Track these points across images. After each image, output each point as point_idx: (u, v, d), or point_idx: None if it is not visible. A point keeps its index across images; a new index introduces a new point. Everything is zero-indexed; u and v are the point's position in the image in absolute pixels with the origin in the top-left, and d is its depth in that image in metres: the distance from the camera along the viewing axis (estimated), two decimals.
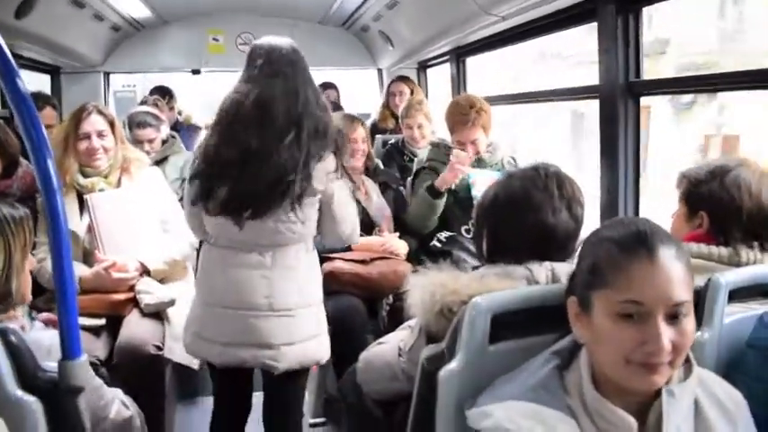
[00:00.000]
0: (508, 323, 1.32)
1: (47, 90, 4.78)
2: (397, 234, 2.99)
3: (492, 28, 3.50)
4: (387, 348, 1.75)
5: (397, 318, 2.79)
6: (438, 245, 3.01)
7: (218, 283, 2.13)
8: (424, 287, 1.46)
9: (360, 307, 2.72)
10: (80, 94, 4.65)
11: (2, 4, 2.85)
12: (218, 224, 2.10)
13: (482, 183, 2.94)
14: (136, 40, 4.95)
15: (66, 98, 4.75)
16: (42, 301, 2.67)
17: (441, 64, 5.02)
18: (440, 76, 5.32)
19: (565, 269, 1.48)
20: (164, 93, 4.80)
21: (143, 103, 4.35)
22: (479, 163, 3.05)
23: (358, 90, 5.98)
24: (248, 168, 1.99)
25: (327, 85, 4.86)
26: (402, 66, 5.21)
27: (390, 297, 2.84)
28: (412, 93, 4.53)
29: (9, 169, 2.78)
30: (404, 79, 4.71)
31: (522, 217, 1.52)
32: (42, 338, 1.42)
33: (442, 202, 2.97)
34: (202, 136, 2.67)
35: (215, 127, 2.09)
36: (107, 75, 5.10)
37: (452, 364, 1.29)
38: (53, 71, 4.72)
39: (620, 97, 2.58)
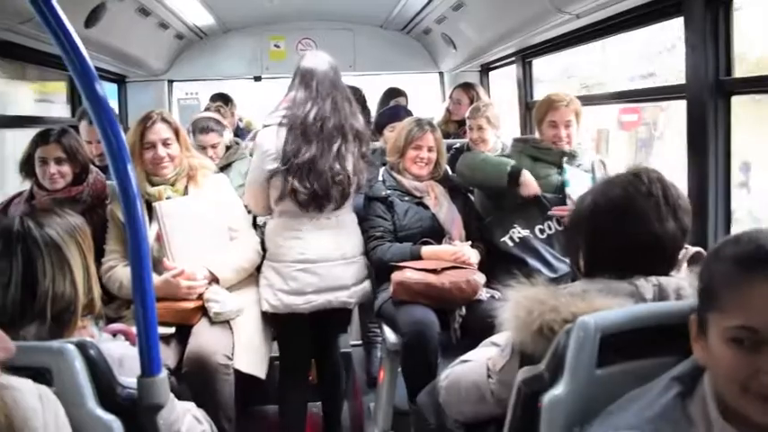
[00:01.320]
0: (617, 345, 1.20)
1: (113, 99, 4.87)
2: (469, 242, 2.86)
3: (563, 27, 3.35)
4: (473, 368, 1.64)
5: (470, 330, 2.68)
6: (510, 243, 2.89)
7: (299, 244, 2.67)
8: (519, 303, 1.34)
9: (432, 318, 2.61)
10: (145, 102, 4.72)
11: (72, 14, 2.85)
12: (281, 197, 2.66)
13: (576, 181, 2.83)
14: (198, 49, 4.99)
15: (131, 106, 4.82)
16: (112, 310, 2.68)
17: (505, 66, 4.89)
18: (500, 80, 5.22)
19: (672, 284, 1.35)
20: (224, 99, 4.81)
21: (206, 109, 4.36)
22: (570, 159, 2.95)
23: (419, 93, 5.87)
24: (317, 167, 2.60)
25: (396, 93, 4.77)
26: (464, 69, 5.10)
27: (463, 308, 2.72)
28: (472, 101, 4.42)
29: (80, 176, 2.81)
30: (465, 87, 4.59)
31: (625, 227, 1.39)
32: (113, 350, 1.37)
33: (504, 191, 2.92)
34: (261, 137, 2.75)
35: (288, 136, 2.61)
36: (171, 83, 5.16)
37: (558, 390, 1.18)
38: (119, 80, 4.79)
39: (710, 97, 2.41)
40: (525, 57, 4.30)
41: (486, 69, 5.15)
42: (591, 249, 1.45)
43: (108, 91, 4.73)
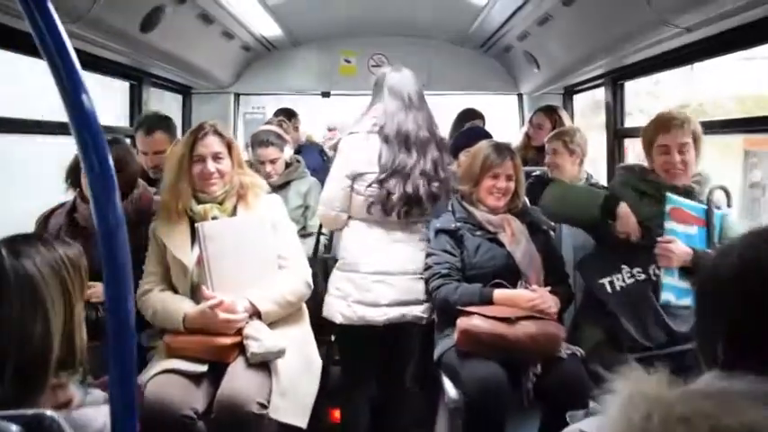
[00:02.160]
0: None
1: (178, 111, 4.75)
2: (548, 288, 2.48)
3: (664, 44, 2.93)
4: None
5: (545, 393, 2.29)
6: (609, 289, 2.46)
7: (378, 254, 2.64)
8: (633, 401, 0.96)
9: (501, 376, 2.25)
10: (210, 115, 4.54)
11: (127, 17, 2.69)
12: (369, 205, 2.66)
13: (680, 217, 2.38)
14: (266, 61, 4.82)
15: (196, 119, 4.68)
16: (145, 339, 2.45)
17: (591, 89, 4.47)
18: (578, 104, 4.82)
19: None
20: (289, 114, 4.61)
21: (267, 123, 4.16)
22: (686, 194, 2.46)
23: (494, 117, 5.50)
24: (414, 173, 2.64)
25: (473, 114, 4.43)
26: (546, 91, 4.71)
27: (538, 366, 2.33)
28: (554, 126, 4.06)
29: (125, 190, 2.61)
30: (547, 111, 4.26)
31: None
32: (91, 420, 1.06)
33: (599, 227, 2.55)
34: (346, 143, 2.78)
35: (383, 144, 2.65)
36: (237, 96, 5.01)
37: None
38: (185, 91, 4.66)
39: None
40: (616, 79, 3.89)
41: (570, 92, 4.75)
42: (735, 328, 1.05)
43: (173, 102, 4.72)
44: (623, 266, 2.46)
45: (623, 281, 2.46)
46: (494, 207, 2.66)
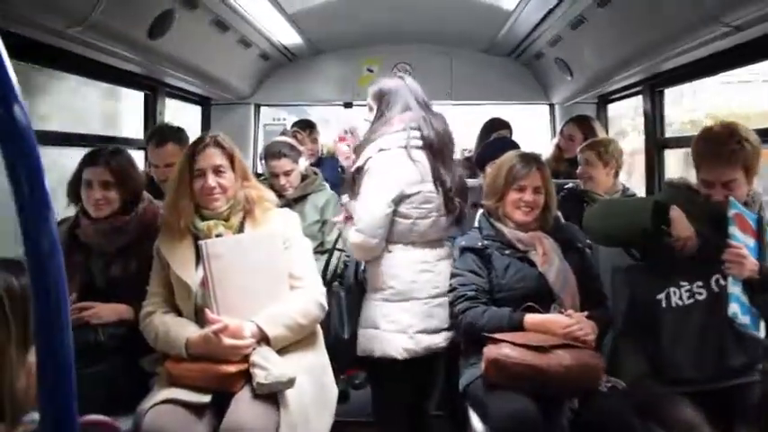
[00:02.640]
0: None
1: (197, 123, 4.64)
2: (585, 313, 2.25)
3: (708, 47, 2.70)
4: None
5: (586, 431, 2.06)
6: (664, 305, 2.22)
7: (432, 277, 2.51)
8: None
9: (533, 411, 2.02)
10: (230, 126, 4.44)
11: (133, 21, 2.55)
12: (415, 226, 2.52)
13: (742, 224, 2.12)
14: (286, 71, 4.69)
15: (214, 131, 4.54)
16: (147, 364, 2.28)
17: (627, 97, 4.23)
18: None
19: None
20: (306, 125, 4.46)
21: (282, 134, 4.01)
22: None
23: (522, 128, 5.28)
24: (462, 183, 2.64)
25: (499, 124, 4.22)
26: (578, 100, 4.47)
27: (575, 400, 2.10)
28: (586, 137, 3.84)
29: (129, 204, 2.47)
30: (579, 121, 4.03)
31: None
32: None
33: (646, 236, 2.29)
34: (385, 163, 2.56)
35: (429, 156, 2.54)
36: (258, 107, 4.88)
37: None
38: (203, 102, 4.54)
39: None
40: (655, 86, 3.65)
41: (604, 101, 4.51)
42: None
43: (191, 114, 4.60)
44: (682, 282, 2.22)
45: (681, 298, 2.22)
46: (521, 222, 2.45)
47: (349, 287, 2.67)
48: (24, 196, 0.70)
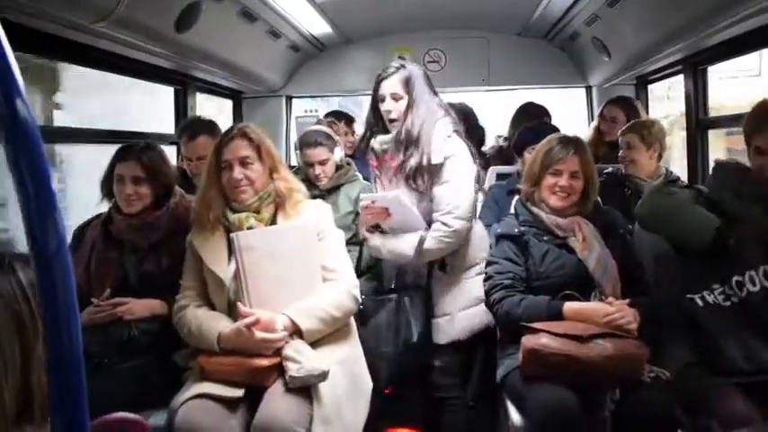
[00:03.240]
0: None
1: (228, 117, 4.65)
2: (627, 300, 2.16)
3: (751, 21, 2.57)
4: None
5: (626, 421, 1.99)
6: (701, 303, 2.12)
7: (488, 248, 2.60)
8: None
9: (572, 403, 1.96)
10: (262, 119, 4.44)
11: (159, 15, 2.55)
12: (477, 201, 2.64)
13: None
14: (318, 62, 4.65)
15: None
16: (181, 358, 2.28)
17: (668, 77, 4.09)
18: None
19: None
20: (342, 116, 4.42)
21: (318, 123, 3.97)
22: None
23: (558, 112, 5.16)
24: None
25: (537, 109, 4.07)
26: (616, 82, 4.34)
27: (617, 391, 2.03)
28: (629, 119, 3.71)
29: (160, 200, 2.48)
30: (620, 103, 3.90)
31: None
32: None
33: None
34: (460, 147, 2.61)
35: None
36: (289, 99, 4.86)
37: None
38: (235, 96, 4.54)
39: None
40: (697, 64, 3.50)
41: (643, 82, 4.36)
42: None
43: (222, 108, 4.61)
44: (716, 286, 2.13)
45: (717, 297, 2.12)
46: (557, 207, 2.37)
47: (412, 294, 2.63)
48: (29, 194, 0.67)
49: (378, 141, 2.63)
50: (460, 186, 2.50)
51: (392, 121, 2.55)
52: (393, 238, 2.56)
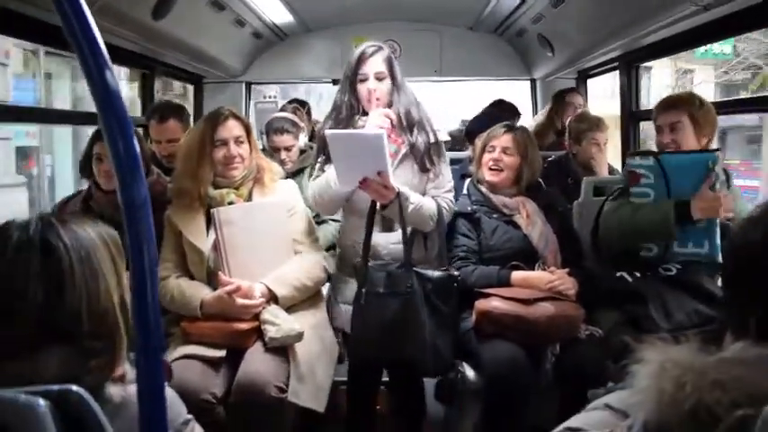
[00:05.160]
0: None
1: (190, 100, 4.73)
2: (566, 270, 2.45)
3: (680, 24, 2.87)
4: None
5: (564, 374, 2.27)
6: (629, 278, 2.44)
7: None
8: (665, 370, 0.94)
9: (522, 358, 2.23)
10: (221, 104, 4.51)
11: (139, 3, 2.67)
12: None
13: None
14: (277, 50, 4.77)
15: (207, 109, 4.64)
16: (162, 324, 2.44)
17: (605, 72, 4.41)
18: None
19: None
20: (301, 104, 4.59)
21: (282, 110, 4.13)
22: None
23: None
24: None
25: (508, 107, 4.36)
26: (559, 75, 4.64)
27: (557, 347, 2.31)
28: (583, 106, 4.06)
29: None
30: (579, 90, 4.26)
31: None
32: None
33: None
34: None
35: None
36: (249, 85, 4.97)
37: None
38: (196, 80, 4.63)
39: None
40: (631, 62, 3.83)
41: (583, 77, 4.67)
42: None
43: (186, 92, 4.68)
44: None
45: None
46: (490, 183, 2.61)
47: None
48: (120, 153, 0.86)
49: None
50: (449, 172, 2.56)
51: (375, 100, 2.38)
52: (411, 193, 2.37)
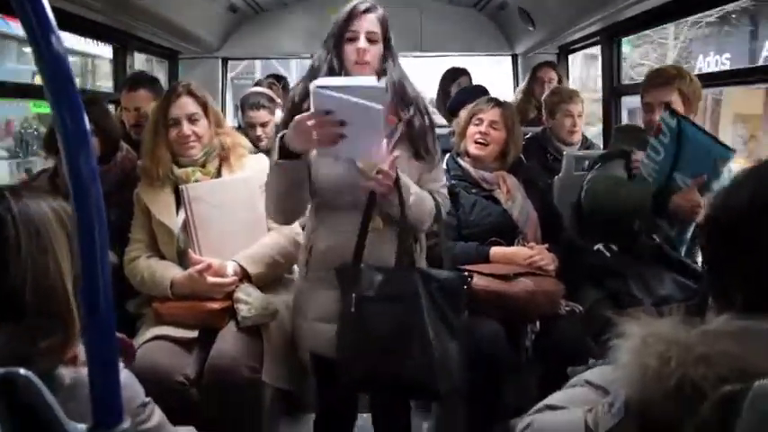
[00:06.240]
0: None
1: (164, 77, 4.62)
2: (546, 245, 2.41)
3: None
4: (563, 422, 1.20)
5: (544, 350, 2.25)
6: (607, 253, 2.40)
7: None
8: (647, 345, 0.90)
9: (501, 334, 2.20)
10: (198, 80, 4.40)
11: None
12: None
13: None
14: (254, 24, 4.67)
15: None
16: (133, 306, 2.38)
17: (587, 47, 4.37)
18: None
19: None
20: (277, 79, 4.49)
21: (257, 84, 4.04)
22: None
23: (485, 79, 5.38)
24: None
25: (459, 72, 4.36)
26: (540, 51, 4.59)
27: (537, 323, 2.28)
28: (560, 81, 4.00)
29: (108, 155, 2.54)
30: (552, 65, 4.21)
31: None
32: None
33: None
34: None
35: None
36: (225, 60, 4.87)
37: None
38: (171, 56, 4.52)
39: None
40: (612, 35, 3.78)
41: (565, 51, 4.62)
42: (754, 270, 0.98)
43: (160, 68, 4.57)
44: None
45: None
46: (476, 157, 2.55)
47: None
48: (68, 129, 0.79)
49: None
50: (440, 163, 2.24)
51: (363, 64, 1.97)
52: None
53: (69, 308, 1.07)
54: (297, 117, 1.75)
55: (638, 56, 8.47)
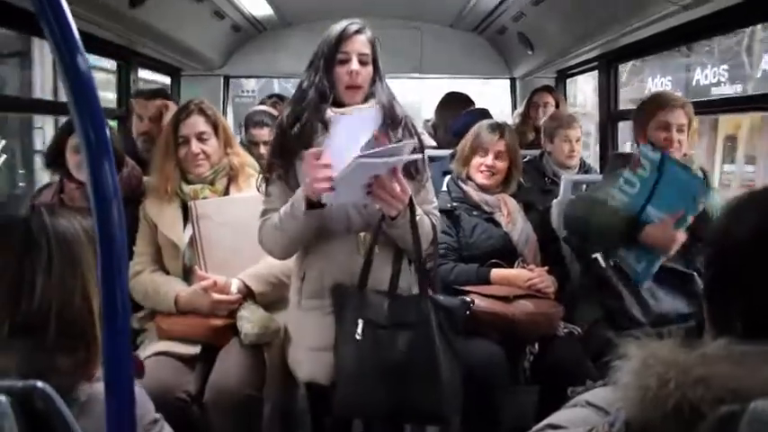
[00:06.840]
0: None
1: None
2: (545, 268, 2.45)
3: (659, 24, 2.89)
4: None
5: (542, 371, 2.27)
6: (602, 262, 2.43)
7: None
8: (647, 366, 0.93)
9: (500, 355, 2.23)
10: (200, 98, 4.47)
11: None
12: None
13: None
14: (257, 43, 4.72)
15: (184, 101, 4.58)
16: (136, 321, 2.39)
17: (585, 72, 4.44)
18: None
19: None
20: (280, 98, 4.54)
21: (261, 104, 4.09)
22: None
23: (484, 100, 5.44)
24: None
25: (462, 97, 4.35)
26: (539, 75, 4.67)
27: (535, 345, 2.31)
28: (557, 106, 4.04)
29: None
30: (550, 90, 4.24)
31: None
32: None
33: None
34: None
35: None
36: (227, 79, 4.91)
37: None
38: (173, 73, 4.56)
39: None
40: (611, 61, 3.85)
41: (563, 76, 4.69)
42: (756, 300, 1.01)
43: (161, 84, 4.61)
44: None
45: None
46: (483, 186, 2.59)
47: None
48: (91, 144, 0.82)
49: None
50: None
51: (355, 88, 1.98)
52: None
53: (94, 329, 1.09)
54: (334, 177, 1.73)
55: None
